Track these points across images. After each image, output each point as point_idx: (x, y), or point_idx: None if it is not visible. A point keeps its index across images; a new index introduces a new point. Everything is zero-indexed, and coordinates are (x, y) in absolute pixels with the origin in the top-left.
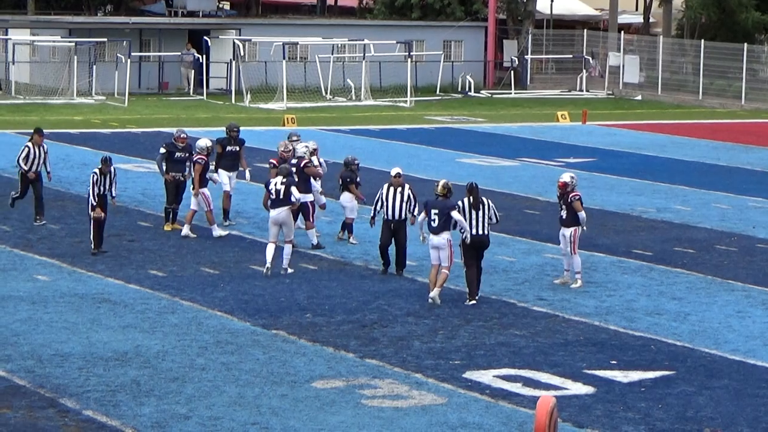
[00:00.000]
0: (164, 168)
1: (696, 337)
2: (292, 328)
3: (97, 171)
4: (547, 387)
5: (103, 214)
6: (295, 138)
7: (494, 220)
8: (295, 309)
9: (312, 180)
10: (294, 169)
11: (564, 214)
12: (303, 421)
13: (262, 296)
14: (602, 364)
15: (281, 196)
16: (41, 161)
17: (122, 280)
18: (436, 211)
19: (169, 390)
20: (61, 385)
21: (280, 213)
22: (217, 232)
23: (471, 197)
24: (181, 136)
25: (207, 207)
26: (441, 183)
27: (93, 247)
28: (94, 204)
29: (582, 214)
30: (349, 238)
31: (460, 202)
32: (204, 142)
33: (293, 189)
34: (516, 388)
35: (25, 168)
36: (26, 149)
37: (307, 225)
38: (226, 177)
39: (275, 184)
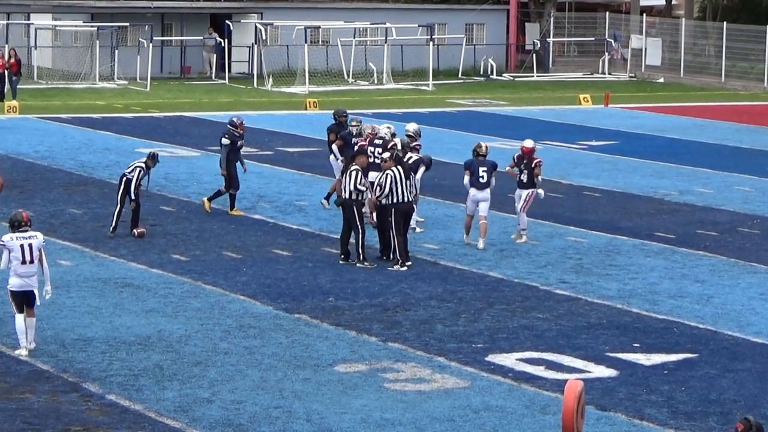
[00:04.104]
0: (226, 162)
1: (719, 320)
2: (314, 311)
3: (143, 166)
4: (570, 370)
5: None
6: (354, 123)
7: (414, 191)
8: (317, 293)
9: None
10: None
11: (525, 177)
12: (326, 404)
13: (285, 280)
14: (625, 347)
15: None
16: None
17: (145, 265)
18: (485, 169)
19: (192, 374)
20: (84, 370)
21: None
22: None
23: (401, 167)
24: (242, 122)
25: None
26: (484, 145)
27: (131, 228)
28: (134, 198)
29: (540, 178)
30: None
31: (393, 170)
32: (411, 126)
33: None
34: (539, 371)
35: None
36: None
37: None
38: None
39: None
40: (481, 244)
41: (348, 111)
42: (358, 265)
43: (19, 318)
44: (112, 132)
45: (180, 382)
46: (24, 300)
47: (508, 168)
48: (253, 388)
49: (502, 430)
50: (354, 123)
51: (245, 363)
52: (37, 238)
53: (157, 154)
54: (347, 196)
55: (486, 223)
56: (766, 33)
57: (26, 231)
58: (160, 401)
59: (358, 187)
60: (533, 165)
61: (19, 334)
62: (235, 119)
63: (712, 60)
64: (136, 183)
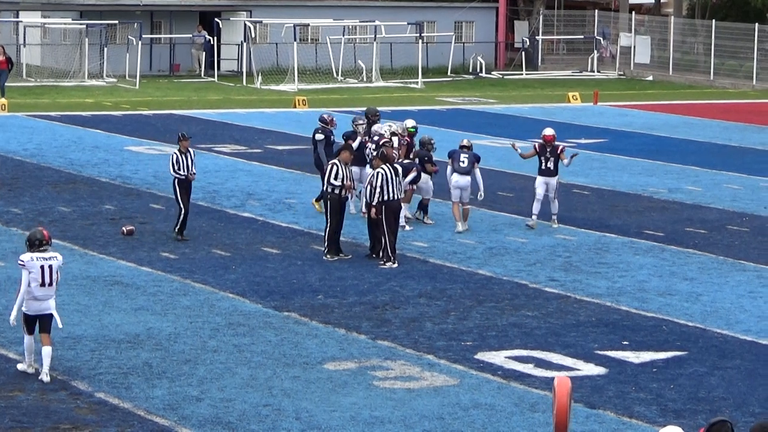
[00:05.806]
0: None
1: (708, 318)
2: (304, 309)
3: (176, 152)
4: (559, 368)
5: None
6: (361, 122)
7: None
8: (307, 290)
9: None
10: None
11: (551, 165)
12: (315, 402)
13: (274, 278)
14: (614, 345)
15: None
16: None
17: (134, 263)
18: (467, 156)
19: (182, 372)
20: (73, 368)
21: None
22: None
23: (391, 165)
24: (333, 119)
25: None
26: (467, 140)
27: (178, 233)
28: (180, 178)
29: (566, 161)
30: (424, 218)
31: (382, 168)
32: (410, 123)
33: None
34: (528, 369)
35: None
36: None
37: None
38: None
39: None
40: (460, 227)
41: (337, 109)
42: (323, 258)
43: (28, 338)
44: (102, 130)
45: (169, 380)
46: (37, 323)
47: (527, 153)
48: (242, 386)
49: (491, 427)
50: (360, 121)
51: (234, 361)
52: (57, 259)
53: (184, 133)
54: (324, 189)
55: (468, 209)
56: (754, 31)
57: (46, 250)
58: (149, 399)
59: (332, 182)
60: (559, 151)
61: (27, 353)
62: (325, 116)
63: (701, 58)
64: (171, 169)
